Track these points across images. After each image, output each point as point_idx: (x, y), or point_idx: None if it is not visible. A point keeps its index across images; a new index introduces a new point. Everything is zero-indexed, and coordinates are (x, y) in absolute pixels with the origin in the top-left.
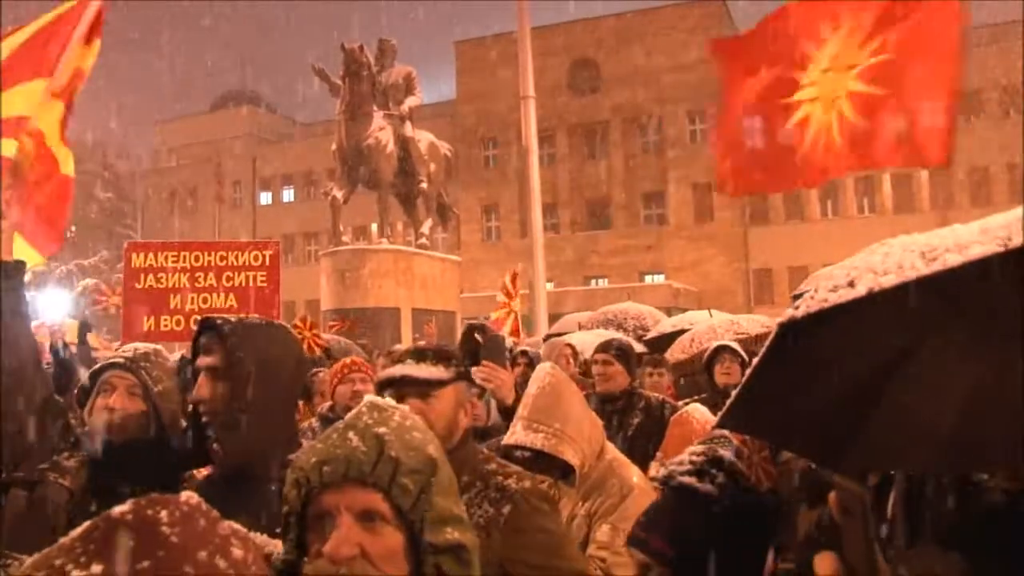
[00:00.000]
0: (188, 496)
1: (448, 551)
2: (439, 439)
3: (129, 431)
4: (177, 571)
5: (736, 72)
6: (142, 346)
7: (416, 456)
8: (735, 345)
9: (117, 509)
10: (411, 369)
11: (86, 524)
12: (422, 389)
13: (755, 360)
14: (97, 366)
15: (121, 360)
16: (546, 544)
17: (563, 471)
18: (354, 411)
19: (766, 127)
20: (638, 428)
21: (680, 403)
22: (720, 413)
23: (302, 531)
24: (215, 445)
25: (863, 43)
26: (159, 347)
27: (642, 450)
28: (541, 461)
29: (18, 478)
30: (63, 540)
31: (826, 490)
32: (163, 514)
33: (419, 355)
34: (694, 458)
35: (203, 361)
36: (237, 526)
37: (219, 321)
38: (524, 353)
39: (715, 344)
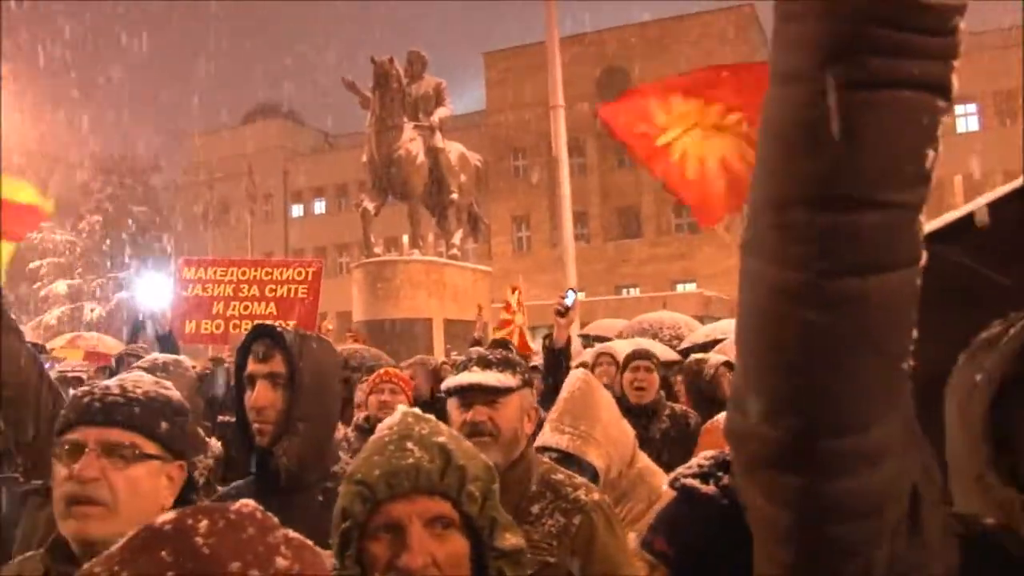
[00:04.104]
0: (242, 504)
1: (509, 555)
2: (506, 445)
3: None
4: None
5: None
6: (161, 357)
7: (478, 464)
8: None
9: (160, 518)
10: (480, 376)
11: (131, 532)
12: (491, 396)
13: None
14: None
15: (140, 371)
16: (611, 558)
17: (592, 476)
18: (397, 421)
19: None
20: (664, 435)
21: None
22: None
23: (361, 545)
24: (277, 452)
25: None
26: (179, 358)
27: (669, 458)
28: (568, 464)
29: (38, 486)
30: (112, 548)
31: None
32: (203, 524)
33: (486, 362)
34: (702, 461)
35: (261, 368)
36: (294, 535)
37: (278, 329)
38: (537, 368)
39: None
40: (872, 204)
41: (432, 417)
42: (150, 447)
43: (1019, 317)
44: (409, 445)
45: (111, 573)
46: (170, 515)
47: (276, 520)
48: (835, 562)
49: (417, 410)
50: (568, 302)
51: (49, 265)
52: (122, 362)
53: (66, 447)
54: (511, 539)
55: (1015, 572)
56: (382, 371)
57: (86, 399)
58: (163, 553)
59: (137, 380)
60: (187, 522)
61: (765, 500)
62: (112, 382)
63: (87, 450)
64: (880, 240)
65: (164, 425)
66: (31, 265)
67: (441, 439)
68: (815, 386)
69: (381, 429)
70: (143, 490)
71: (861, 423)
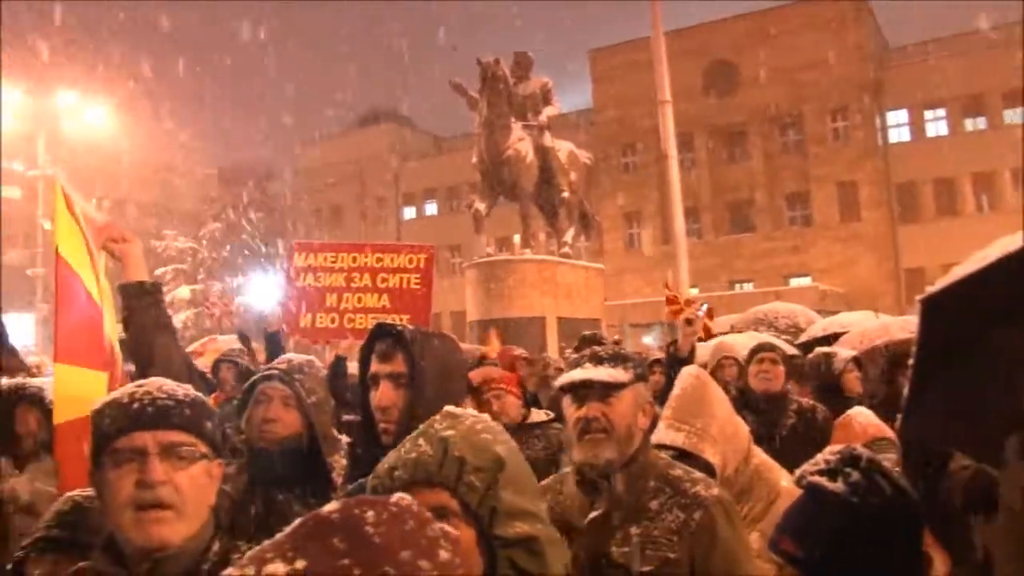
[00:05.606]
0: (400, 497)
1: (519, 544)
2: (621, 440)
3: (284, 440)
4: (377, 570)
5: None
6: (296, 358)
7: (482, 455)
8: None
9: (326, 508)
10: (592, 372)
11: (296, 521)
12: (602, 392)
13: (912, 360)
14: (254, 377)
15: (276, 372)
16: (731, 553)
17: (706, 473)
18: (429, 420)
19: None
20: (791, 431)
21: None
22: (899, 423)
23: None
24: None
25: None
26: (312, 358)
27: (794, 454)
28: (683, 461)
29: None
30: (277, 536)
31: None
32: (370, 514)
33: (598, 358)
34: (829, 457)
35: (384, 367)
36: (449, 529)
37: (399, 328)
38: (658, 361)
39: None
40: None
41: (466, 412)
42: (203, 446)
43: None
44: (420, 440)
45: (285, 560)
46: (335, 505)
47: (430, 514)
48: None
49: (458, 409)
50: (701, 312)
51: (173, 271)
52: (219, 368)
53: (123, 453)
54: (520, 527)
55: None
56: (486, 375)
57: (134, 404)
58: (335, 540)
59: (169, 383)
60: (354, 511)
61: None
62: (138, 387)
63: (150, 454)
64: None
65: (209, 425)
66: (156, 272)
67: (448, 432)
68: None
69: None
70: (201, 488)
71: None
